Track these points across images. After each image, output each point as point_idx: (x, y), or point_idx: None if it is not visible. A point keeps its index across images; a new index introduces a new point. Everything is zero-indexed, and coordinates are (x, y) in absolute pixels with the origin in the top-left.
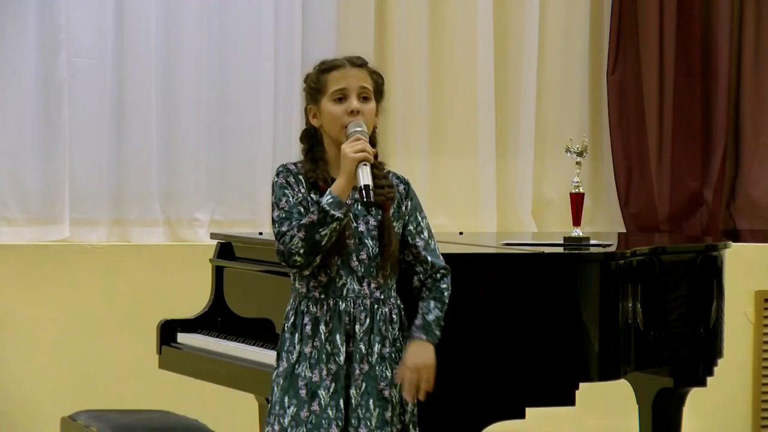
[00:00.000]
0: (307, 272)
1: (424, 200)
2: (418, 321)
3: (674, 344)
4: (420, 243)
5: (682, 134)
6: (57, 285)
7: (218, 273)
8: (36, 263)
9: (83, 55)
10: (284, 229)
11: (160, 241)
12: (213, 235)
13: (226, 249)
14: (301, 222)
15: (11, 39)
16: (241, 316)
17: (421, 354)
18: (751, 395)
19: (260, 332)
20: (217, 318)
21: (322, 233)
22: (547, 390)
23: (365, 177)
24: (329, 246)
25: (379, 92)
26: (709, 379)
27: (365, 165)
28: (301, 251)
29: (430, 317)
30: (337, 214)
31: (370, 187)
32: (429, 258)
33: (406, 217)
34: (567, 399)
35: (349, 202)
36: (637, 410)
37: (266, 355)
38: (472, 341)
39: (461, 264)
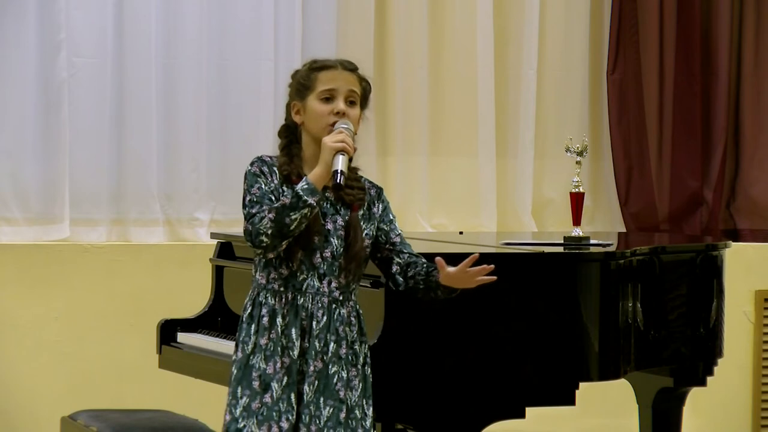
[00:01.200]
0: (271, 255)
1: (424, 200)
2: (428, 269)
3: (674, 344)
4: (396, 240)
5: (682, 134)
6: (57, 285)
7: (218, 273)
8: (36, 263)
9: (83, 54)
10: (254, 210)
11: (160, 240)
12: (213, 235)
13: (226, 249)
14: (273, 205)
15: (11, 39)
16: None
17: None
18: (751, 395)
19: None
20: (217, 318)
21: (293, 217)
22: (547, 390)
23: (340, 164)
24: (297, 233)
25: (365, 99)
26: (709, 379)
27: (343, 155)
28: (269, 232)
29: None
30: (310, 200)
31: (343, 172)
32: (406, 250)
33: (378, 220)
34: (567, 399)
35: (325, 195)
36: (637, 410)
37: None
38: (472, 341)
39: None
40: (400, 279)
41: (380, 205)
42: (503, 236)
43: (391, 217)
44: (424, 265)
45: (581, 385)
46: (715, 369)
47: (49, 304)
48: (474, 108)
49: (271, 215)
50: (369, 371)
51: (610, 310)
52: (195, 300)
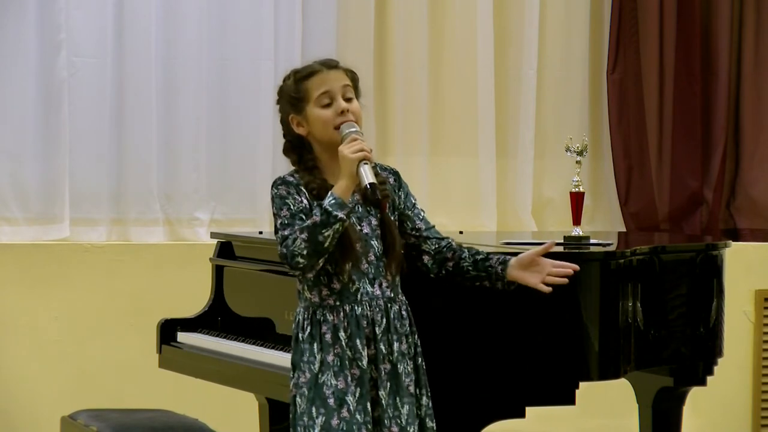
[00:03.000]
0: (310, 275)
1: (424, 200)
2: (484, 257)
3: (674, 343)
4: (421, 225)
5: (682, 134)
6: (57, 285)
7: (218, 272)
8: (36, 263)
9: (83, 54)
10: (287, 233)
11: (160, 240)
12: (213, 235)
13: (226, 248)
14: (304, 224)
15: (11, 38)
16: (241, 316)
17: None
18: (751, 395)
19: (260, 331)
20: (217, 317)
21: (325, 234)
22: (547, 389)
23: (369, 176)
24: (332, 249)
25: (357, 89)
26: (709, 379)
27: (366, 164)
28: (305, 252)
29: (483, 253)
30: (340, 214)
31: (376, 185)
32: (432, 235)
33: (401, 207)
34: (567, 398)
35: (350, 204)
36: (637, 410)
37: (266, 355)
38: (472, 340)
39: None
40: (434, 267)
41: (401, 193)
42: (503, 236)
43: (413, 201)
44: (470, 254)
45: (581, 384)
46: (715, 369)
47: (49, 304)
48: (474, 108)
49: (303, 236)
50: (420, 360)
51: (610, 309)
52: (195, 300)
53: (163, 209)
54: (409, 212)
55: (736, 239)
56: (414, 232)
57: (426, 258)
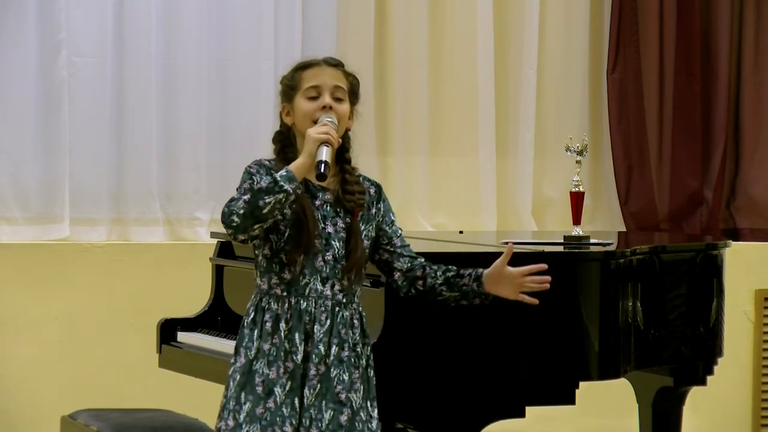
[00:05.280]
0: (242, 237)
1: (424, 200)
2: (455, 273)
3: (674, 343)
4: (396, 242)
5: (682, 134)
6: (57, 284)
7: (218, 272)
8: (36, 262)
9: (83, 54)
10: (235, 196)
11: (160, 240)
12: (213, 234)
13: (226, 248)
14: (251, 188)
15: (11, 38)
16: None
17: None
18: (751, 394)
19: None
20: (217, 317)
21: (267, 200)
22: (547, 389)
23: (324, 154)
24: (269, 218)
25: (354, 94)
26: (709, 379)
27: (327, 146)
28: (241, 212)
29: (453, 269)
30: (286, 186)
31: (327, 163)
32: (406, 253)
33: (379, 219)
34: (567, 398)
35: (319, 202)
36: (637, 410)
37: None
38: (472, 340)
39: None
40: (405, 285)
41: (381, 205)
42: (503, 236)
43: (392, 218)
44: (440, 271)
45: (581, 384)
46: (715, 368)
47: (49, 304)
48: (474, 108)
49: (246, 197)
50: (372, 373)
51: (610, 309)
52: (195, 299)
53: (163, 209)
54: (387, 228)
55: (736, 239)
56: (388, 247)
57: (397, 275)
